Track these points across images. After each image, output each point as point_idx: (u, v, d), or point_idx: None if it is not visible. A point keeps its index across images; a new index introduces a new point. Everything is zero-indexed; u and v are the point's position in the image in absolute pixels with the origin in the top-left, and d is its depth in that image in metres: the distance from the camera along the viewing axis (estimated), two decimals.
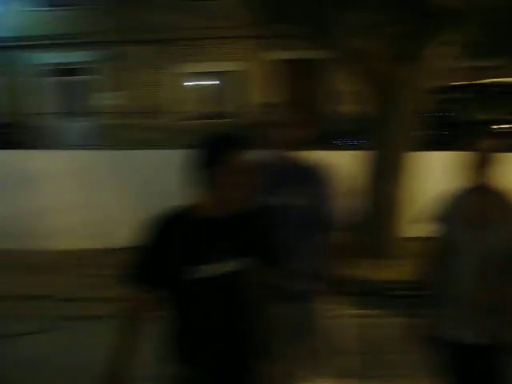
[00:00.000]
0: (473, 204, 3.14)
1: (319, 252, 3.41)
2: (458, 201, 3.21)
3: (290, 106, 3.76)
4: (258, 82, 17.50)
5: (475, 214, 3.11)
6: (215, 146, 2.41)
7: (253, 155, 2.49)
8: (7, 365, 5.30)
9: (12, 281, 8.04)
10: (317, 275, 3.35)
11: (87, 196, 9.74)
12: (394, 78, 8.03)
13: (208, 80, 18.35)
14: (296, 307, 3.22)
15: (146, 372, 2.88)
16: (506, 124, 11.48)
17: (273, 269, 2.61)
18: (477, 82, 12.52)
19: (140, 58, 17.72)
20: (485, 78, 12.63)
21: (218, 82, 18.32)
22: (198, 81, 18.29)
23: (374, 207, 8.39)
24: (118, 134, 14.87)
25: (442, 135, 11.00)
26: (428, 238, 3.32)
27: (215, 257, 2.38)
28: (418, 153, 8.49)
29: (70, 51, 18.26)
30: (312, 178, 3.49)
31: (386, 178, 8.34)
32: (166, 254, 2.39)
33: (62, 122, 17.59)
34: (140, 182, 9.66)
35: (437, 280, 3.26)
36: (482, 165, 3.02)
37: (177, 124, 16.19)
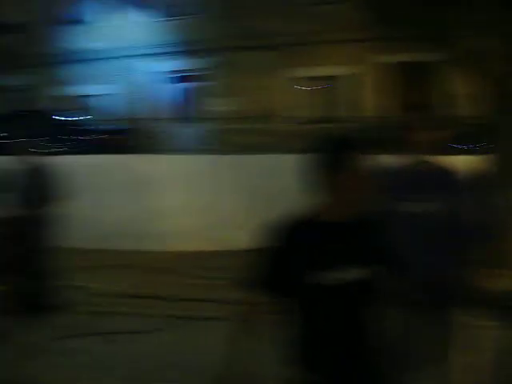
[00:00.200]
0: None
1: (453, 261, 3.22)
2: None
3: (410, 109, 3.62)
4: (370, 86, 17.25)
5: None
6: (335, 149, 2.36)
7: (374, 160, 2.43)
8: (119, 361, 5.50)
9: (128, 280, 8.36)
10: (449, 285, 3.16)
11: (203, 199, 9.95)
12: None
13: (319, 84, 18.30)
14: (426, 318, 3.05)
15: (262, 376, 2.87)
16: None
17: (398, 278, 2.53)
18: None
19: (252, 63, 17.90)
20: None
21: (329, 86, 18.23)
22: (309, 85, 18.27)
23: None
24: (232, 138, 15.10)
25: None
26: None
27: (340, 263, 2.33)
28: None
29: (185, 59, 18.80)
30: (447, 183, 3.29)
31: (507, 185, 7.95)
32: (289, 259, 2.35)
33: (178, 128, 18.10)
34: (256, 186, 9.76)
35: None
36: None
37: (289, 128, 16.23)
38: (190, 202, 9.95)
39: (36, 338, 6.07)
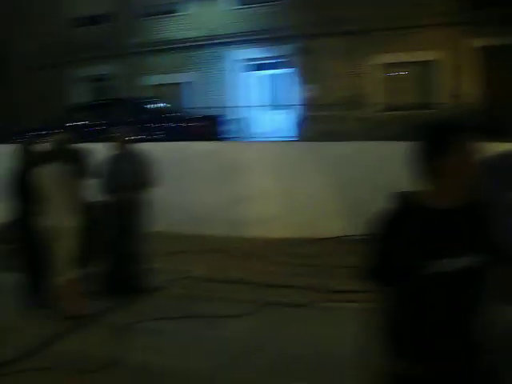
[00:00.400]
0: None
1: None
2: None
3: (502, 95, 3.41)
4: (461, 71, 16.73)
5: None
6: (442, 134, 2.30)
7: (479, 146, 2.35)
8: (207, 344, 5.59)
9: (217, 265, 8.49)
10: None
11: (290, 186, 9.98)
12: None
13: (406, 70, 17.89)
14: None
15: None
16: None
17: (504, 267, 2.44)
18: None
19: (336, 49, 17.71)
20: None
21: (417, 72, 17.79)
22: (396, 71, 17.90)
23: None
24: (317, 125, 15.04)
25: None
26: None
27: (449, 251, 2.27)
28: None
29: (270, 46, 18.81)
30: None
31: None
32: (397, 248, 2.30)
33: (263, 115, 18.17)
34: (342, 174, 9.70)
35: None
36: None
37: (375, 115, 16.00)
38: (276, 189, 9.99)
39: (126, 319, 6.27)
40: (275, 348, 5.41)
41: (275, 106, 18.73)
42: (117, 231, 7.16)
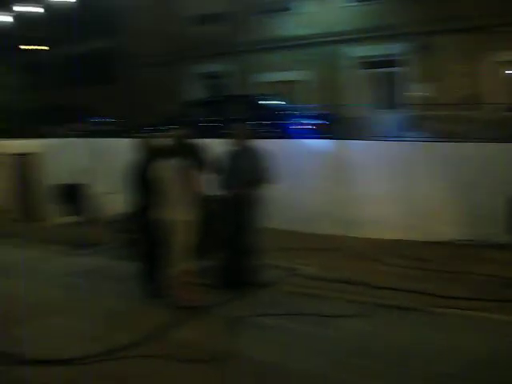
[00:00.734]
0: None
1: None
2: None
3: None
4: None
5: None
6: None
7: None
8: (318, 343, 5.59)
9: (328, 264, 8.46)
10: None
11: (405, 187, 9.76)
12: None
13: None
14: None
15: None
16: None
17: None
18: None
19: (452, 47, 17.14)
20: None
21: None
22: None
23: None
24: (433, 125, 14.59)
25: None
26: None
27: None
28: None
29: (382, 44, 18.45)
30: None
31: None
32: None
33: (378, 114, 17.85)
34: (458, 175, 9.38)
35: None
36: None
37: (494, 115, 15.31)
38: (391, 189, 9.81)
39: (238, 313, 6.38)
40: (382, 350, 5.33)
41: (391, 105, 18.37)
42: (233, 226, 7.29)
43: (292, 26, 20.06)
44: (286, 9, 20.53)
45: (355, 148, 10.39)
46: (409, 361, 5.07)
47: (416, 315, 6.25)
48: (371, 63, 19.24)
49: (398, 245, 9.29)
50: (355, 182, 10.11)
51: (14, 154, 13.28)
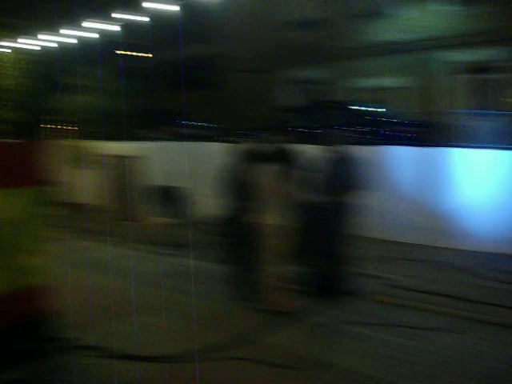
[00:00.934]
0: None
1: None
2: None
3: None
4: None
5: None
6: None
7: None
8: (406, 355, 5.45)
9: (420, 275, 8.25)
10: None
11: (499, 197, 9.38)
12: None
13: None
14: None
15: None
16: None
17: None
18: None
19: None
20: None
21: None
22: None
23: None
24: None
25: None
26: None
27: None
28: None
29: (483, 49, 17.86)
30: None
31: None
32: None
33: (476, 120, 17.30)
34: None
35: None
36: None
37: None
38: (486, 199, 9.45)
39: (330, 320, 6.37)
40: (478, 368, 5.16)
41: (490, 112, 17.77)
42: (328, 232, 7.24)
43: (390, 31, 19.78)
44: (385, 14, 20.28)
45: (451, 156, 10.06)
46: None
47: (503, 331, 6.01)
48: (472, 68, 18.69)
49: (499, 258, 8.96)
50: (454, 192, 9.79)
51: (115, 156, 13.75)
